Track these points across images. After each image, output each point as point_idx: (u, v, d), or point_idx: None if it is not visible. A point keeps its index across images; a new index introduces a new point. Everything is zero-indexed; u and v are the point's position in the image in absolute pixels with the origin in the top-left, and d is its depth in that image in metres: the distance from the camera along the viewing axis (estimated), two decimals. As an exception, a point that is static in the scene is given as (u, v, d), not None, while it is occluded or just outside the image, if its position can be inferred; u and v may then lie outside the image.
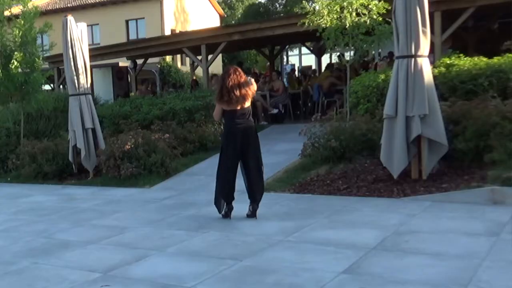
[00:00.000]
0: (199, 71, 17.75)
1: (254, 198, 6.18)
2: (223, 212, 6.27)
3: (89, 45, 11.15)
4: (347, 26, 8.94)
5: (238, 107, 6.02)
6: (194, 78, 19.75)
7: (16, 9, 11.72)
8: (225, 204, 6.25)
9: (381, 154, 6.94)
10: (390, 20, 7.29)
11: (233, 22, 38.85)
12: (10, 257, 5.40)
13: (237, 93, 5.94)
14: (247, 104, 6.09)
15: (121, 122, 11.53)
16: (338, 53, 14.96)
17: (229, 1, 44.54)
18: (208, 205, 7.22)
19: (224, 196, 6.21)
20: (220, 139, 6.40)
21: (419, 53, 6.63)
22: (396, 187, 6.86)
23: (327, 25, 8.99)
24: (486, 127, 6.76)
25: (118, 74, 21.10)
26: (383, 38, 8.97)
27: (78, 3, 30.85)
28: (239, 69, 6.17)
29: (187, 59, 26.08)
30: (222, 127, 10.95)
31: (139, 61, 17.88)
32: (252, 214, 6.16)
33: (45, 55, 13.11)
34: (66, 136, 10.61)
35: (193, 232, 5.87)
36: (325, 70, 16.11)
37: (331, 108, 12.15)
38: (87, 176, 10.14)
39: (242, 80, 6.02)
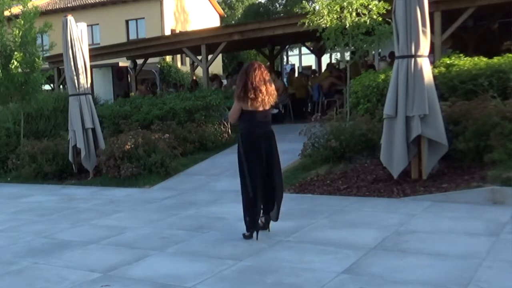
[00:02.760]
0: (199, 71, 17.76)
1: (270, 209, 5.47)
2: (247, 233, 5.44)
3: (89, 45, 11.16)
4: (347, 26, 8.94)
5: (261, 108, 5.27)
6: (194, 78, 19.74)
7: (16, 9, 11.72)
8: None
9: (381, 154, 6.94)
10: (390, 20, 7.29)
11: (233, 22, 38.85)
12: (10, 257, 5.40)
13: (264, 91, 5.23)
14: (269, 105, 5.35)
15: (121, 122, 11.53)
16: (338, 54, 14.98)
17: (229, 1, 44.55)
18: (208, 205, 7.25)
19: (251, 219, 5.37)
20: (238, 146, 5.46)
21: (419, 53, 6.63)
22: (396, 187, 6.86)
23: (327, 25, 8.99)
24: (486, 127, 6.76)
25: (118, 74, 21.10)
26: (383, 38, 8.97)
27: (78, 3, 30.85)
28: (263, 65, 5.43)
29: (187, 59, 26.08)
30: (223, 128, 11.11)
31: (139, 61, 17.89)
32: (264, 226, 5.48)
33: (45, 55, 13.12)
34: (66, 136, 10.61)
35: (193, 232, 5.86)
36: (325, 70, 16.14)
37: (331, 108, 12.15)
38: (87, 176, 10.14)
39: (268, 77, 5.32)
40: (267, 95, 5.26)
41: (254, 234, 5.38)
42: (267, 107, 5.33)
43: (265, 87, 5.24)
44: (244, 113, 5.32)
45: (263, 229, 5.47)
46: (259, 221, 5.47)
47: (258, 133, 5.32)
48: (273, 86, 5.39)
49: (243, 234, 5.45)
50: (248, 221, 5.41)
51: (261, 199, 5.37)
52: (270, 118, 5.45)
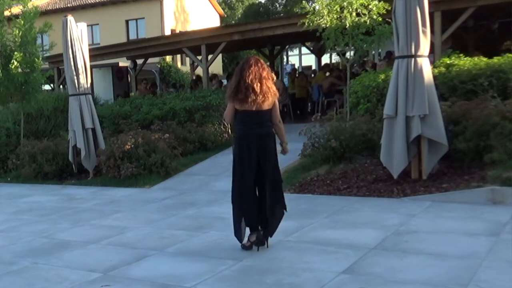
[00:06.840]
0: (199, 71, 17.76)
1: (265, 225, 4.98)
2: (245, 242, 4.99)
3: (89, 45, 11.15)
4: (347, 26, 8.95)
5: (254, 108, 4.79)
6: (195, 76, 19.70)
7: (16, 9, 11.72)
8: (247, 231, 5.00)
9: (381, 154, 6.94)
10: (390, 20, 7.29)
11: (233, 22, 38.86)
12: (10, 257, 5.39)
13: (257, 89, 4.71)
14: (267, 106, 4.84)
15: (121, 122, 11.54)
16: (338, 53, 15.02)
17: (229, 1, 44.55)
18: (208, 205, 7.25)
19: (246, 221, 4.94)
20: (232, 148, 5.13)
21: (419, 53, 6.63)
22: (396, 187, 6.86)
23: (327, 25, 9.00)
24: (486, 127, 6.76)
25: (118, 74, 21.10)
26: (383, 38, 8.98)
27: (78, 3, 30.84)
28: (262, 61, 4.91)
29: (187, 59, 26.07)
30: (223, 128, 11.11)
31: (139, 61, 17.89)
32: (259, 242, 4.94)
33: (45, 55, 13.10)
34: (66, 136, 10.61)
35: (193, 232, 5.86)
36: (319, 71, 16.20)
37: (331, 108, 12.16)
38: (87, 176, 10.14)
39: (265, 73, 4.79)
40: (261, 94, 4.74)
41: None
42: (264, 108, 4.83)
43: (259, 85, 4.73)
44: (239, 113, 4.89)
45: (259, 245, 4.95)
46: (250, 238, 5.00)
47: (251, 135, 4.85)
48: (271, 83, 4.86)
49: (243, 245, 5.02)
50: (238, 232, 4.99)
51: (253, 205, 4.92)
52: (267, 119, 4.92)
